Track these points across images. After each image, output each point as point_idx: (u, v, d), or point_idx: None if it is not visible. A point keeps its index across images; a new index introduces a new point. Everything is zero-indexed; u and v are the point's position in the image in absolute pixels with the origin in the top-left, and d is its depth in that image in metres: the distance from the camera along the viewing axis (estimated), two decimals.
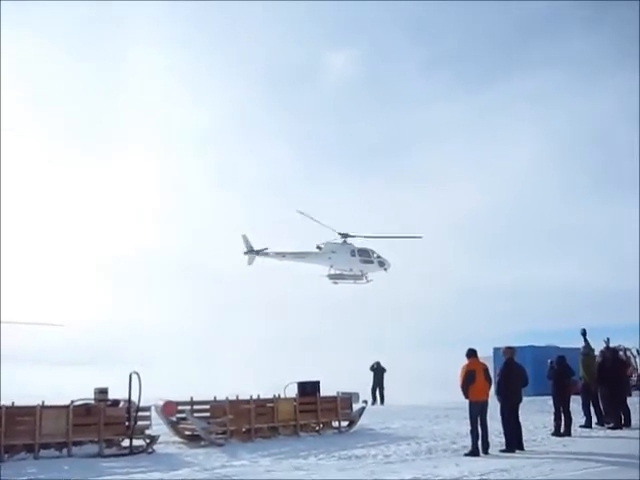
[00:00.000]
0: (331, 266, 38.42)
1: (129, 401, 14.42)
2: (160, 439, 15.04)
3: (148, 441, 14.60)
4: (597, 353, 19.37)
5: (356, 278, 38.73)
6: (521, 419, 14.63)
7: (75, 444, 13.76)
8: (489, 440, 13.92)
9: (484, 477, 11.03)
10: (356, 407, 19.08)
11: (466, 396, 14.01)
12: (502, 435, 14.49)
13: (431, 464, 12.52)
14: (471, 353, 14.17)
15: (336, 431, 18.13)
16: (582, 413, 18.51)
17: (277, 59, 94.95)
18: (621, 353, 19.15)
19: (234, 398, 16.55)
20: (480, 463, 12.60)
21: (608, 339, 19.08)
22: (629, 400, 19.01)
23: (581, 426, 18.00)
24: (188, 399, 16.20)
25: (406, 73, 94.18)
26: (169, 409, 15.85)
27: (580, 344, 19.54)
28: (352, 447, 14.98)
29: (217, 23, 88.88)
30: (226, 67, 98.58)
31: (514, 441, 14.17)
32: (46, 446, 13.49)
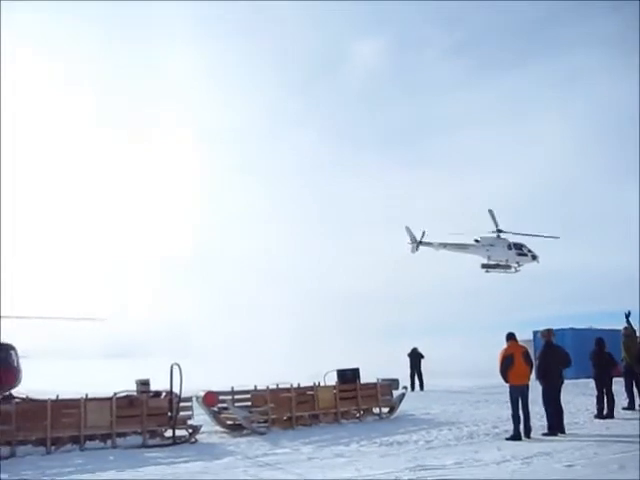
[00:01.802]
0: (488, 257, 43.45)
1: (171, 392, 14.60)
2: (202, 429, 15.23)
3: (190, 431, 14.78)
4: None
5: (506, 268, 43.67)
6: (563, 402, 14.52)
7: (119, 435, 14.01)
8: (531, 424, 13.82)
9: (527, 461, 10.96)
10: (396, 393, 19.09)
11: (505, 380, 13.94)
12: (544, 419, 14.39)
13: (473, 449, 12.49)
14: (510, 337, 14.07)
15: (377, 417, 18.18)
16: (625, 395, 18.32)
17: (304, 49, 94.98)
18: None
19: (275, 387, 16.67)
20: (522, 447, 12.52)
21: None
22: None
23: (624, 408, 17.81)
24: (229, 389, 16.36)
25: (429, 60, 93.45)
26: (210, 399, 16.01)
27: (621, 326, 19.32)
28: (393, 433, 15.00)
29: (246, 15, 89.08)
30: (255, 58, 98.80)
31: (556, 424, 14.07)
32: (91, 437, 13.77)
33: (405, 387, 20.26)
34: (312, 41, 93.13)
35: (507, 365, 13.78)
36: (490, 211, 42.67)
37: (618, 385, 17.68)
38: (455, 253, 44.42)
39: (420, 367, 29.80)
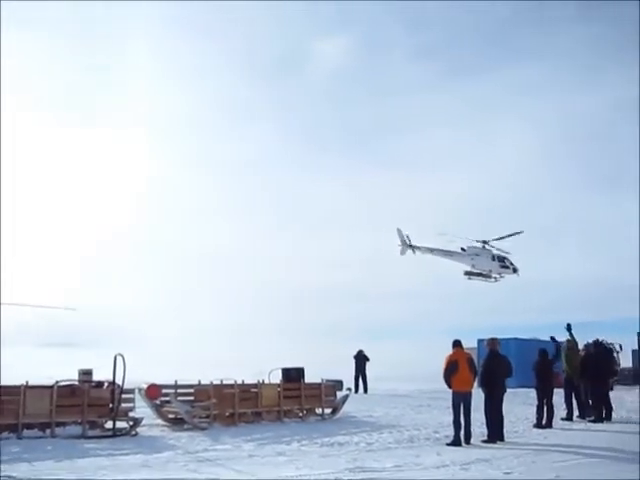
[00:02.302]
0: (473, 266, 45.69)
1: (113, 383, 14.44)
2: (143, 422, 15.07)
3: (131, 423, 14.63)
4: (581, 347, 19.51)
5: (487, 277, 46.21)
6: (504, 411, 14.71)
7: (58, 425, 13.76)
8: (471, 430, 13.99)
9: (465, 467, 11.08)
10: (340, 394, 19.15)
11: (449, 386, 14.09)
12: (484, 426, 14.56)
13: (413, 453, 12.58)
14: (456, 343, 14.23)
15: (319, 418, 18.21)
16: (564, 406, 18.65)
17: (266, 47, 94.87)
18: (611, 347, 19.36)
19: (218, 382, 16.59)
20: (461, 453, 12.66)
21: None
22: (612, 394, 19.17)
23: (562, 419, 18.12)
24: (172, 382, 16.24)
25: (395, 62, 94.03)
26: (153, 392, 15.86)
27: (564, 338, 19.67)
28: (335, 434, 15.03)
29: (205, 9, 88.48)
30: (215, 53, 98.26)
31: (496, 432, 14.25)
32: (29, 426, 13.51)
33: (349, 389, 20.35)
34: (276, 40, 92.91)
35: (451, 371, 13.92)
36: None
37: (558, 396, 17.98)
38: (441, 259, 46.00)
39: (365, 369, 29.91)
